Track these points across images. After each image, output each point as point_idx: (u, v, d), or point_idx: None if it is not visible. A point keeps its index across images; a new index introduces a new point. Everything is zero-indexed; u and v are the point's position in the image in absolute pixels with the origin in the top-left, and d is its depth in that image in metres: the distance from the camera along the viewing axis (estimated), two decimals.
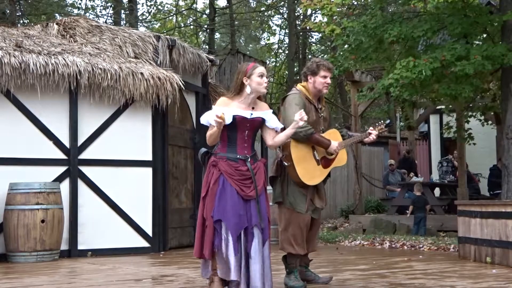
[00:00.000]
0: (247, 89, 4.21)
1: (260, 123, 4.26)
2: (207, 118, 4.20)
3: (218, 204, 4.07)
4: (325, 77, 4.88)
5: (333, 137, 4.93)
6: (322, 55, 25.15)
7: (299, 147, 4.74)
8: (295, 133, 4.43)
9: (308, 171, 4.76)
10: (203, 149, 4.33)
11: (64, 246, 7.47)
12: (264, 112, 4.29)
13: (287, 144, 4.66)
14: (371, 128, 5.05)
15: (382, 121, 5.21)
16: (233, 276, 4.01)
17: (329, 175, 5.06)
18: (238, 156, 4.17)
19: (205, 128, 4.28)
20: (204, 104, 9.19)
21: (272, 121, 4.31)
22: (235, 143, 4.19)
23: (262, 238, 4.12)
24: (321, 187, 4.93)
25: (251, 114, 4.20)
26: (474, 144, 11.33)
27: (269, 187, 4.76)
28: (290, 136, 4.39)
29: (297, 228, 4.78)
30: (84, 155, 7.77)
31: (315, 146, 4.82)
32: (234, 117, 4.14)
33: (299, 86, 5.00)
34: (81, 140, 7.76)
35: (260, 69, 4.25)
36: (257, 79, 4.21)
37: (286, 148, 4.72)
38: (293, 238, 4.78)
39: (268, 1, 24.00)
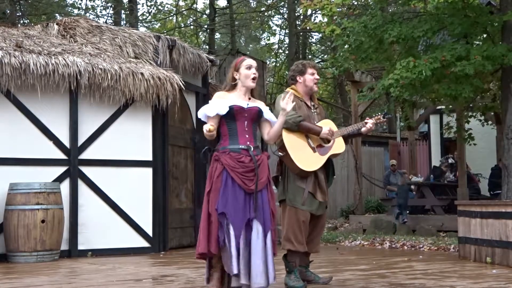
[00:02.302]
0: (238, 83, 4.24)
1: (257, 113, 4.26)
2: (204, 112, 4.22)
3: (221, 197, 4.07)
4: (313, 74, 5.02)
5: (326, 125, 4.93)
6: (322, 55, 25.17)
7: (292, 136, 4.78)
8: (285, 121, 4.48)
9: (304, 157, 4.78)
10: (206, 147, 4.34)
11: (64, 246, 7.48)
12: (261, 104, 4.32)
13: (280, 135, 4.69)
14: (367, 118, 5.09)
15: (380, 113, 5.24)
16: (235, 270, 4.00)
17: (333, 173, 5.06)
18: (240, 146, 4.17)
19: None
20: (204, 104, 9.18)
21: (269, 113, 4.34)
22: (236, 134, 4.20)
23: (263, 231, 4.11)
24: (323, 181, 4.91)
25: (247, 104, 4.22)
26: (475, 144, 11.33)
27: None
28: (282, 124, 4.40)
29: (296, 224, 4.79)
30: (84, 155, 7.77)
31: (308, 134, 4.85)
32: (232, 107, 4.16)
33: (287, 89, 5.11)
34: (81, 140, 7.76)
35: (247, 61, 4.27)
36: (245, 72, 4.24)
37: (279, 138, 4.75)
38: (292, 234, 4.79)
39: (268, 1, 24.01)
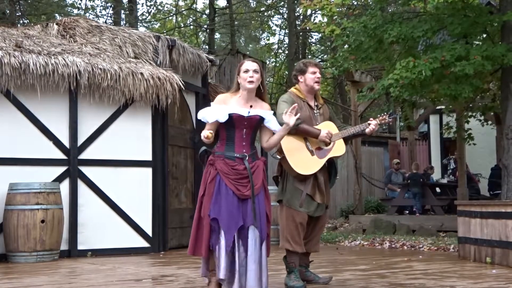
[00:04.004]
0: (240, 87, 4.23)
1: (258, 122, 4.24)
2: (204, 115, 4.21)
3: (214, 202, 4.08)
4: (314, 72, 4.97)
5: (326, 128, 4.90)
6: (322, 55, 25.17)
7: (290, 139, 4.75)
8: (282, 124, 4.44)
9: (301, 161, 4.76)
10: (203, 148, 4.33)
11: (64, 246, 7.48)
12: (264, 111, 4.27)
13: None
14: (371, 118, 5.05)
15: (384, 113, 5.19)
16: (221, 275, 4.00)
17: (336, 174, 5.04)
18: (235, 155, 4.16)
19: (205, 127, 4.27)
20: (204, 104, 9.18)
21: (271, 122, 4.29)
22: (233, 141, 4.19)
23: (259, 238, 4.11)
24: (322, 182, 4.88)
25: (249, 112, 4.18)
26: (474, 144, 11.33)
27: (271, 187, 4.76)
28: (282, 137, 4.37)
29: (292, 225, 4.79)
30: (84, 155, 7.77)
31: (307, 137, 4.83)
32: (231, 115, 4.14)
33: (291, 89, 5.09)
34: (81, 140, 7.76)
35: (245, 64, 4.23)
36: (243, 75, 4.22)
37: None
38: (289, 235, 4.79)
39: (268, 1, 24.00)
